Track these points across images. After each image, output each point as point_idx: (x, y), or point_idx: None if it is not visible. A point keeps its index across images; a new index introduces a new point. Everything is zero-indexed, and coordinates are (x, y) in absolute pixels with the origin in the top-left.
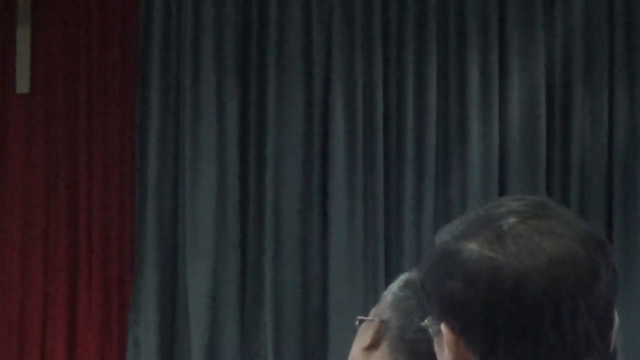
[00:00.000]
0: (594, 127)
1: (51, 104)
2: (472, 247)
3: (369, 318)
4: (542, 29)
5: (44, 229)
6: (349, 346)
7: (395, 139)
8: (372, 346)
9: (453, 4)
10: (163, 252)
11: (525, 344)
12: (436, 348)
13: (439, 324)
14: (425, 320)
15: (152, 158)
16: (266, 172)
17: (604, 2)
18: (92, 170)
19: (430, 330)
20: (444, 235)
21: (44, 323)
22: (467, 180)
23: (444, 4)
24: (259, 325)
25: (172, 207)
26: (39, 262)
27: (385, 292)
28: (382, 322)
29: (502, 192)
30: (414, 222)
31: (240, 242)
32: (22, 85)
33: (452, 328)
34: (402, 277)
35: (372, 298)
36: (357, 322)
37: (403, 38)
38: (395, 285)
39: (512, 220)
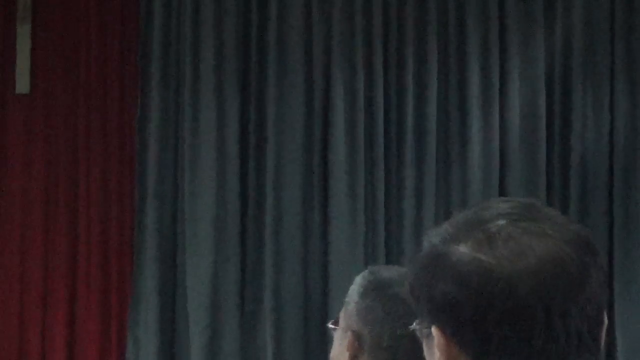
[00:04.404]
0: (594, 127)
1: (51, 104)
2: (462, 249)
3: (341, 327)
4: (542, 29)
5: (43, 228)
6: None
7: (395, 139)
8: (353, 359)
9: (453, 4)
10: (163, 252)
11: (517, 345)
12: (426, 351)
13: (429, 327)
14: (414, 324)
15: (152, 158)
16: (266, 172)
17: (604, 2)
18: (92, 170)
19: (418, 333)
20: (432, 239)
21: (44, 323)
22: (467, 180)
23: (444, 4)
24: (259, 325)
25: (172, 207)
26: (39, 261)
27: (347, 299)
28: (354, 333)
29: (502, 192)
30: (414, 222)
31: (240, 242)
32: (22, 85)
33: (443, 331)
34: (360, 282)
35: None
36: (331, 326)
37: (403, 38)
38: (355, 293)
39: (501, 222)
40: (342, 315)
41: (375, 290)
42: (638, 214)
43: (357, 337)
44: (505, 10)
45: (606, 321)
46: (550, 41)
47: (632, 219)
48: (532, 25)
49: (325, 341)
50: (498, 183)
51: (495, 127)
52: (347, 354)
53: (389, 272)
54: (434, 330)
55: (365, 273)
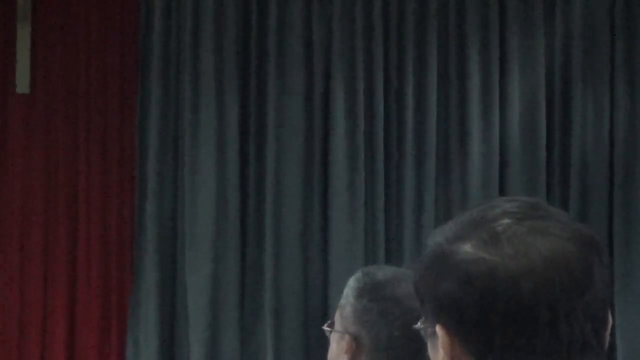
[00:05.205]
0: (594, 127)
1: (51, 104)
2: (467, 248)
3: (337, 329)
4: (542, 29)
5: (43, 228)
6: None
7: (395, 139)
8: None
9: (453, 4)
10: (163, 252)
11: (521, 345)
12: (430, 351)
13: (434, 326)
14: (418, 323)
15: (152, 158)
16: (266, 172)
17: (604, 2)
18: (92, 170)
19: (422, 332)
20: (437, 238)
21: (44, 323)
22: (467, 180)
23: (444, 3)
24: (258, 325)
25: (172, 207)
26: (39, 262)
27: (342, 301)
28: (351, 336)
29: (502, 192)
30: (414, 222)
31: (240, 242)
32: (22, 85)
33: (447, 330)
34: (354, 284)
35: None
36: (327, 329)
37: (403, 38)
38: (350, 295)
39: (506, 221)
40: (337, 317)
41: (371, 291)
42: (638, 214)
43: (355, 339)
44: (505, 10)
45: (610, 321)
46: (550, 41)
47: (632, 219)
48: (532, 25)
49: (325, 341)
50: (498, 183)
51: (495, 127)
52: (345, 357)
53: (382, 272)
54: (438, 329)
55: (358, 274)
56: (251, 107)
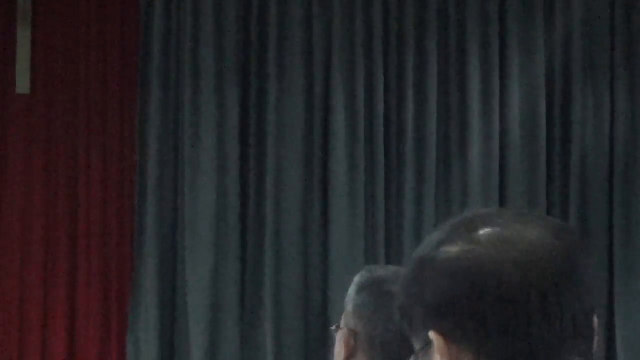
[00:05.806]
0: (594, 127)
1: (51, 104)
2: (450, 248)
3: (341, 327)
4: (542, 29)
5: (43, 229)
6: None
7: (395, 139)
8: (349, 357)
9: (453, 4)
10: (163, 253)
11: (514, 334)
12: None
13: (426, 338)
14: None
15: (152, 158)
16: (266, 172)
17: (604, 2)
18: (92, 170)
19: (414, 355)
20: (418, 251)
21: (44, 323)
22: (467, 180)
23: (444, 4)
24: (258, 325)
25: (172, 207)
26: (39, 262)
27: (346, 299)
28: (350, 331)
29: (502, 192)
30: (414, 222)
31: (240, 242)
32: (22, 85)
33: (441, 333)
34: (356, 281)
35: None
36: (333, 329)
37: (403, 38)
38: (352, 292)
39: (487, 217)
40: (342, 316)
41: (370, 286)
42: (638, 214)
43: (353, 334)
44: (505, 10)
45: (597, 321)
46: (550, 41)
47: (632, 219)
48: (532, 25)
49: (325, 341)
50: (498, 183)
51: (495, 127)
52: (343, 353)
53: (384, 270)
54: (431, 335)
55: (362, 272)
56: (251, 107)
